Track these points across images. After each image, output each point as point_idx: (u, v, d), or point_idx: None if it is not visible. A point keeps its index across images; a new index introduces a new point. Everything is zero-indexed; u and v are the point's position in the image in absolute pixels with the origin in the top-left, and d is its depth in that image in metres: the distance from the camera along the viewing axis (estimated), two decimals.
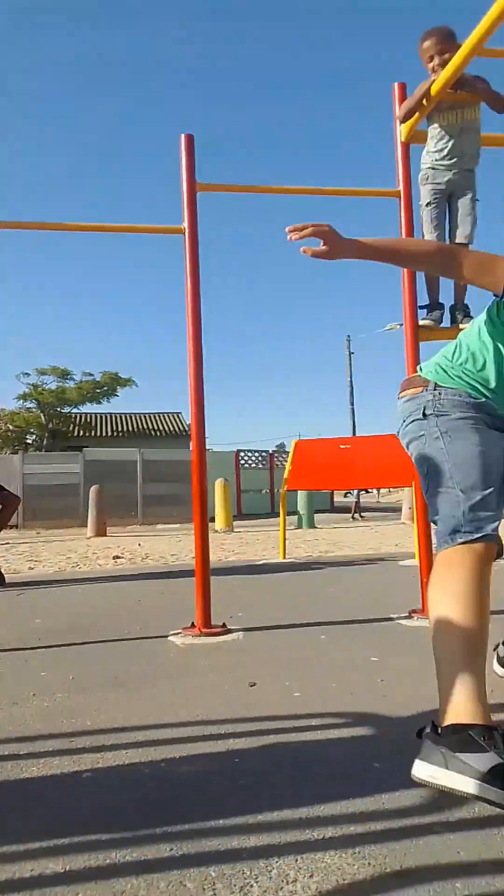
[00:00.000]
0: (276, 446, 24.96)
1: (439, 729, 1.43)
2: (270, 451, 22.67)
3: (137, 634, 3.23)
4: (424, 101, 3.35)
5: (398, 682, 2.32)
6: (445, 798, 1.44)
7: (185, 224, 3.39)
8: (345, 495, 30.89)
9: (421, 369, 1.96)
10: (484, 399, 1.83)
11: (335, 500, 23.86)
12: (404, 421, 1.94)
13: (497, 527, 1.67)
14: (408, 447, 1.95)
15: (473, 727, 1.39)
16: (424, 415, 1.87)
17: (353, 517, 17.04)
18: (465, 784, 1.32)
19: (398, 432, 2.00)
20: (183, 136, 3.44)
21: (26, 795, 1.55)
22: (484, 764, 1.32)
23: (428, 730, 1.44)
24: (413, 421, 1.90)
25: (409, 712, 2.01)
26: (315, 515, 13.63)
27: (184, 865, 1.24)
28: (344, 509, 20.50)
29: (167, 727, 1.97)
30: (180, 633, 3.17)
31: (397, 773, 1.59)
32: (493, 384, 1.81)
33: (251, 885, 1.17)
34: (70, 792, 1.55)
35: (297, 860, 1.25)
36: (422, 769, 1.40)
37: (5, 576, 5.29)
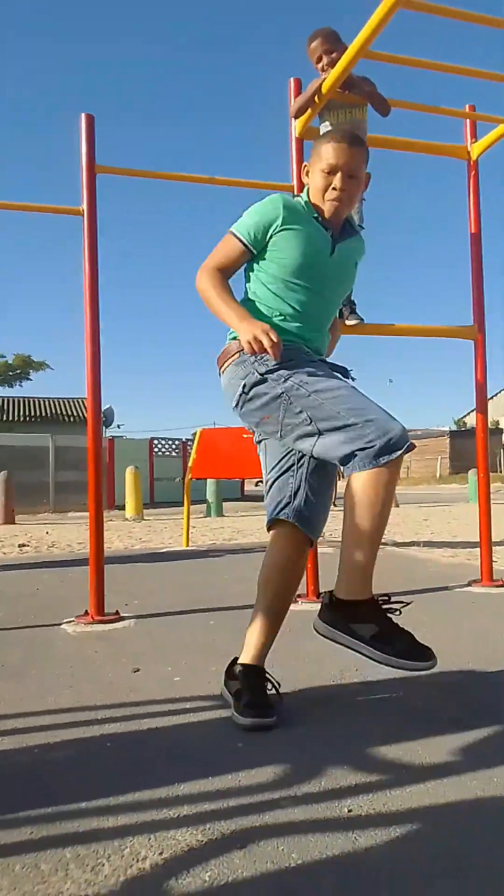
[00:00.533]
0: (192, 434, 24.92)
1: (335, 599, 1.91)
2: (184, 440, 22.64)
3: (30, 622, 3.22)
4: (316, 99, 3.45)
5: (275, 664, 2.43)
6: (294, 773, 1.56)
7: (84, 206, 3.37)
8: (255, 484, 31.22)
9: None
10: (294, 339, 2.05)
11: (245, 488, 24.09)
12: (241, 392, 2.03)
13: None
14: (258, 412, 2.02)
15: (364, 603, 1.87)
16: (262, 375, 1.99)
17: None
18: (353, 644, 1.87)
19: (235, 406, 2.08)
20: (83, 115, 3.41)
21: None
22: (368, 631, 1.84)
23: (327, 600, 1.94)
24: (253, 386, 2.01)
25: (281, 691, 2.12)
26: (224, 504, 13.76)
27: (40, 848, 1.29)
28: (254, 497, 20.74)
29: (46, 714, 2.00)
30: (73, 621, 3.19)
31: (258, 752, 1.70)
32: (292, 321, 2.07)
33: (103, 864, 1.23)
34: None
35: (150, 839, 1.32)
36: (322, 626, 1.94)
37: None
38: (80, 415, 26.99)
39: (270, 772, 1.59)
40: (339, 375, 2.05)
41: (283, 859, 1.24)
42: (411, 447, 1.82)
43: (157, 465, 20.41)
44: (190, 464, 6.64)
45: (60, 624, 3.17)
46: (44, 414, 26.13)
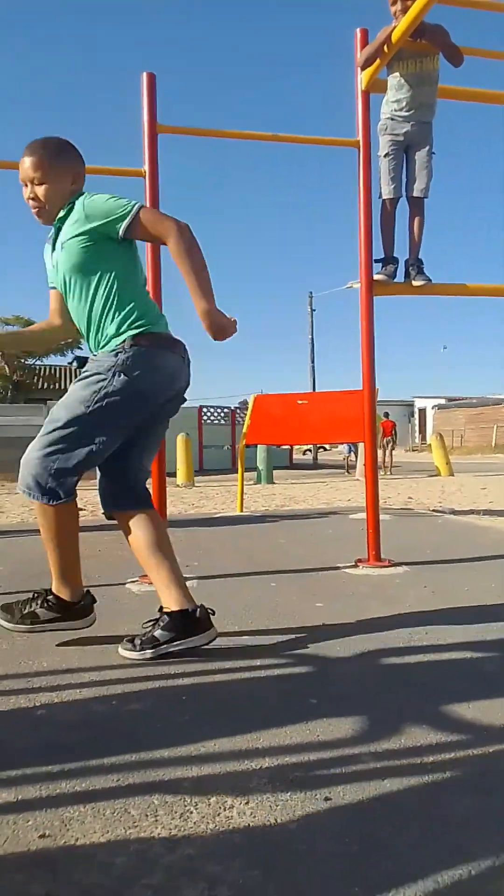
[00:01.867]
0: (239, 403, 24.92)
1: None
2: (233, 408, 22.66)
3: (96, 582, 3.27)
4: (385, 49, 3.32)
5: (340, 625, 2.43)
6: (374, 731, 1.56)
7: (146, 167, 3.33)
8: (303, 452, 31.21)
9: None
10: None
11: (294, 456, 24.07)
12: None
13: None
14: None
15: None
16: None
17: (347, 472, 17.10)
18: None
19: None
20: (144, 74, 3.36)
21: None
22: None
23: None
24: None
25: (348, 653, 2.12)
26: (274, 472, 13.78)
27: (128, 794, 1.32)
28: (303, 466, 20.73)
29: (119, 668, 2.04)
30: (137, 580, 3.24)
31: (333, 708, 1.70)
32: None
33: (191, 812, 1.25)
34: (24, 728, 1.62)
35: (234, 788, 1.34)
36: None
37: None
38: None
39: (347, 727, 1.59)
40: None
41: (367, 811, 1.25)
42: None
43: (206, 433, 20.51)
44: (244, 430, 6.64)
45: (125, 583, 3.22)
46: None
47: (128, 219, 2.09)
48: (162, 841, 1.16)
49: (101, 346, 2.20)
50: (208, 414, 21.37)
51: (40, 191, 2.19)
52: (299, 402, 6.59)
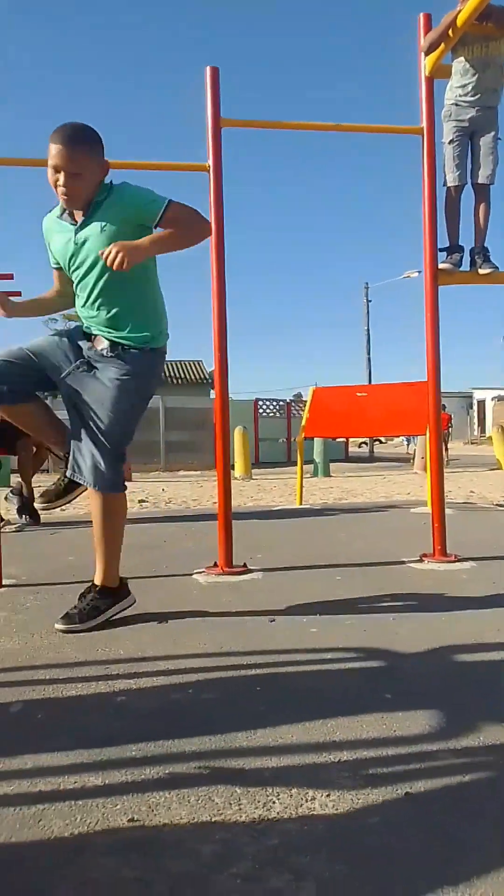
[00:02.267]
0: (293, 396, 24.84)
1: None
2: (288, 401, 22.62)
3: (164, 572, 3.35)
4: (450, 33, 3.24)
5: (409, 620, 2.41)
6: (451, 728, 1.54)
7: (210, 161, 3.34)
8: (358, 445, 30.91)
9: None
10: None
11: (349, 449, 23.87)
12: None
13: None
14: None
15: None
16: None
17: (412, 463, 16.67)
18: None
19: None
20: (208, 68, 3.37)
21: (67, 715, 1.67)
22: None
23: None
24: None
25: (419, 648, 2.11)
26: (330, 464, 13.71)
27: (211, 782, 1.34)
28: (358, 458, 20.55)
29: (192, 657, 2.08)
30: (203, 571, 3.28)
31: (406, 704, 1.69)
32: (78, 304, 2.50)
33: (273, 802, 1.27)
34: (105, 714, 1.67)
35: (314, 781, 1.35)
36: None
37: (40, 515, 5.43)
38: (187, 377, 27.48)
39: (423, 723, 1.58)
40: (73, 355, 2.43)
41: (449, 808, 1.24)
42: None
43: (262, 426, 20.54)
44: (303, 423, 6.62)
45: (191, 574, 3.27)
46: None
47: (162, 208, 2.29)
48: (246, 830, 1.18)
49: (122, 336, 2.39)
50: (264, 407, 21.39)
51: (74, 181, 2.26)
52: (359, 394, 6.54)
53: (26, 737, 1.55)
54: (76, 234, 2.36)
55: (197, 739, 1.52)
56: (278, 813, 1.23)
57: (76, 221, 2.36)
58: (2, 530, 4.13)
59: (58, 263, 2.51)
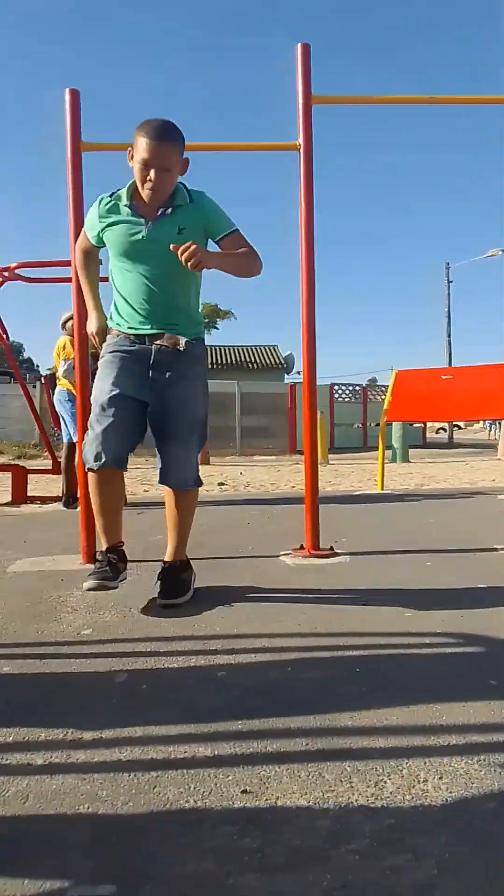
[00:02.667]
0: (369, 380, 24.50)
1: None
2: (364, 385, 22.34)
3: (250, 553, 3.37)
4: None
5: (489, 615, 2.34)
6: None
7: (301, 140, 3.30)
8: (436, 431, 30.26)
9: None
10: (119, 324, 2.49)
11: (427, 435, 23.39)
12: None
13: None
14: None
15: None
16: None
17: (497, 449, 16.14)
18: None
19: None
20: (299, 45, 3.32)
21: (170, 687, 1.70)
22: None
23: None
24: None
25: None
26: (409, 450, 13.49)
27: (320, 759, 1.34)
28: (437, 444, 20.11)
29: (288, 636, 2.08)
30: (290, 553, 3.28)
31: None
32: (122, 304, 2.48)
33: (384, 781, 1.26)
34: (208, 687, 1.69)
35: (425, 763, 1.32)
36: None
37: (127, 496, 5.58)
38: (263, 362, 27.53)
39: None
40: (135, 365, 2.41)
41: None
42: (90, 469, 2.38)
43: (337, 411, 20.37)
44: (385, 406, 6.51)
45: (278, 556, 3.27)
46: (229, 361, 26.94)
47: (231, 229, 2.44)
48: (360, 808, 1.17)
49: (176, 330, 2.44)
50: (339, 392, 21.20)
51: (165, 177, 2.30)
52: (444, 376, 6.37)
53: (134, 706, 1.59)
54: (148, 228, 2.36)
55: (300, 717, 1.52)
56: (391, 793, 1.22)
57: (145, 216, 2.37)
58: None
59: (101, 244, 2.52)
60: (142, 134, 2.27)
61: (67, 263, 3.81)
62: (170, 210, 2.38)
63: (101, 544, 2.52)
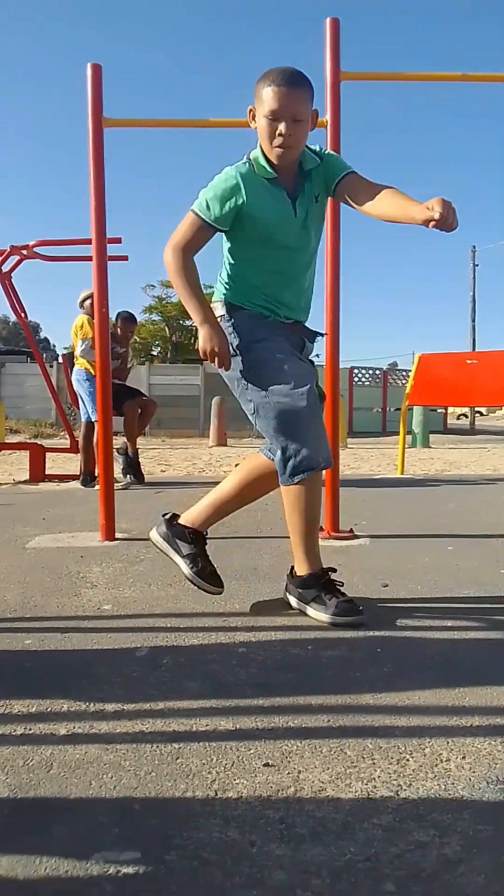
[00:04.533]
0: (389, 364, 24.35)
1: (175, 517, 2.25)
2: (384, 369, 22.20)
3: (269, 533, 3.36)
4: None
5: None
6: None
7: (328, 116, 3.25)
8: (457, 417, 30.03)
9: None
10: (266, 309, 2.09)
11: (448, 421, 23.23)
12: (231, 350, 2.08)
13: None
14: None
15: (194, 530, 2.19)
16: (235, 349, 2.08)
17: None
18: (172, 554, 2.19)
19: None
20: (328, 20, 3.26)
21: (192, 662, 1.70)
22: (186, 549, 2.17)
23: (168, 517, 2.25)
24: (234, 354, 2.08)
25: None
26: (429, 436, 13.40)
27: (342, 736, 1.34)
28: (458, 430, 19.96)
29: (307, 616, 2.07)
30: None
31: None
32: (266, 291, 2.09)
33: (407, 760, 1.25)
34: (229, 663, 1.69)
35: (448, 742, 1.31)
36: (155, 535, 2.25)
37: (144, 475, 5.61)
38: None
39: None
40: (300, 354, 2.11)
41: None
42: (320, 468, 1.98)
43: (357, 395, 20.27)
44: (407, 390, 6.45)
45: None
46: None
47: (348, 170, 2.08)
48: (383, 784, 1.17)
49: (307, 318, 2.20)
50: (359, 375, 21.09)
51: (302, 130, 1.98)
52: (469, 361, 6.30)
53: (155, 680, 1.60)
54: (295, 205, 2.04)
55: (322, 694, 1.52)
56: (413, 771, 1.21)
57: (285, 187, 2.04)
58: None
59: (226, 227, 2.06)
60: (267, 83, 1.95)
61: (87, 241, 3.80)
62: (307, 180, 2.06)
63: (307, 566, 2.09)
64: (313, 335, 2.23)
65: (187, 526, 2.19)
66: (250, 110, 2.03)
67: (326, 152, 2.12)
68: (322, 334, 2.30)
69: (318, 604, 2.04)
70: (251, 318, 2.08)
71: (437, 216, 1.74)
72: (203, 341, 2.04)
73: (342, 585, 2.11)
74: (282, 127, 1.94)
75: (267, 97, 1.95)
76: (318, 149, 2.11)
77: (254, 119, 2.02)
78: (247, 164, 2.05)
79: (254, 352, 2.05)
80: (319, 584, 2.07)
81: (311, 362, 2.20)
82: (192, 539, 2.17)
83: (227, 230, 2.07)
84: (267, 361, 2.03)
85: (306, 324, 2.22)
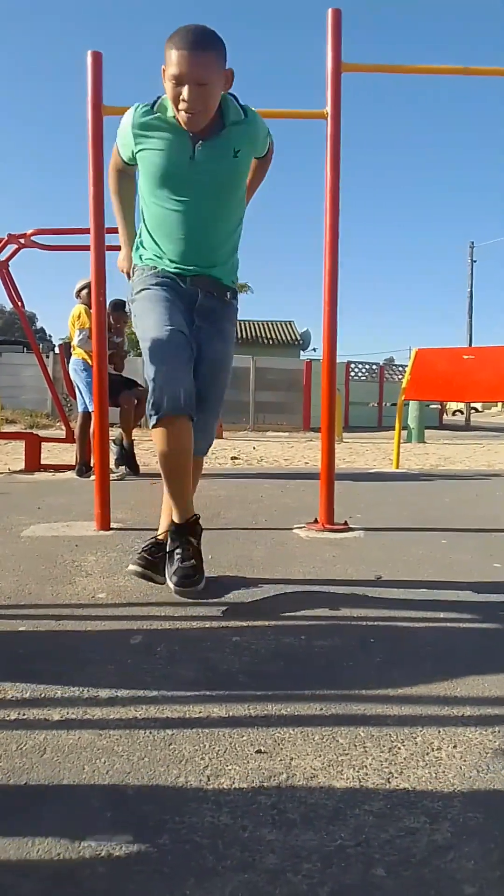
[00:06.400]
0: (386, 360, 24.36)
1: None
2: (381, 364, 22.18)
3: (263, 525, 3.37)
4: None
5: None
6: None
7: (329, 108, 3.23)
8: (452, 413, 30.06)
9: None
10: (155, 258, 2.15)
11: (444, 417, 23.25)
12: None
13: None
14: None
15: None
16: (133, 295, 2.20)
17: None
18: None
19: None
20: (330, 11, 3.24)
21: (185, 650, 1.71)
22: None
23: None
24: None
25: None
26: (424, 431, 13.41)
27: (334, 724, 1.34)
28: (454, 427, 19.99)
29: (302, 606, 2.08)
30: (304, 527, 3.28)
31: None
32: (158, 239, 2.14)
33: (398, 748, 1.26)
34: (223, 651, 1.70)
35: (439, 731, 1.32)
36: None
37: (139, 466, 5.61)
38: (279, 338, 27.42)
39: None
40: (184, 305, 2.10)
41: None
42: (162, 413, 1.94)
43: (353, 389, 20.25)
44: (404, 384, 6.46)
45: (292, 528, 3.27)
46: (244, 336, 26.81)
47: (270, 140, 2.22)
48: (375, 771, 1.17)
49: (218, 273, 2.16)
50: (356, 370, 21.07)
51: (206, 94, 1.92)
52: (465, 356, 6.30)
53: (150, 667, 1.60)
54: (196, 148, 2.01)
55: (315, 682, 1.53)
56: (405, 759, 1.22)
57: (194, 133, 2.01)
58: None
59: (133, 161, 2.12)
60: (172, 45, 1.89)
61: (85, 231, 3.79)
62: (223, 129, 2.03)
63: (170, 517, 2.16)
64: (223, 289, 2.17)
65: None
66: (163, 70, 1.97)
67: (256, 116, 2.12)
68: (230, 288, 2.21)
69: (168, 561, 2.14)
70: (140, 271, 2.16)
71: None
72: (120, 260, 2.35)
73: (190, 544, 2.14)
74: (185, 92, 1.90)
75: (171, 60, 1.90)
76: (243, 105, 2.09)
77: (165, 79, 1.98)
78: (150, 104, 2.06)
79: (135, 303, 2.14)
80: (178, 539, 2.12)
81: (214, 315, 2.16)
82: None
83: (139, 169, 2.14)
84: (143, 311, 2.08)
85: (225, 275, 2.18)
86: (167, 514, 2.24)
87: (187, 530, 2.15)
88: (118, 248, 2.50)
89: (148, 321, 2.03)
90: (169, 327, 1.98)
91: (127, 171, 2.25)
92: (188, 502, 2.15)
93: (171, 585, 2.07)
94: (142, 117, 2.03)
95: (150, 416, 1.98)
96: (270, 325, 28.31)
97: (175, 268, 2.10)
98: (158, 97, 2.06)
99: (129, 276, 2.20)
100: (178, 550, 2.11)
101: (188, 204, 2.05)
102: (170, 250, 2.10)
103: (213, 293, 2.16)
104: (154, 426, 1.99)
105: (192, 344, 2.08)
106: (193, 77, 1.89)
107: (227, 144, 2.04)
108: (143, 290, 2.10)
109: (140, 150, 2.05)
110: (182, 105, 1.93)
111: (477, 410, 33.70)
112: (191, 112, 1.94)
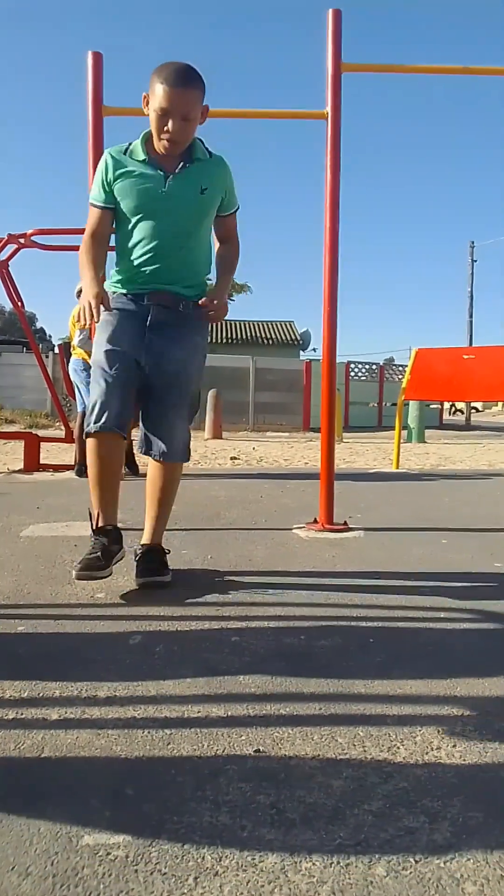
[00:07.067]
0: (386, 360, 24.35)
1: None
2: (381, 364, 22.17)
3: (263, 525, 3.37)
4: None
5: None
6: None
7: (329, 108, 3.23)
8: (451, 413, 30.05)
9: None
10: (120, 285, 2.30)
11: (444, 417, 23.24)
12: None
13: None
14: None
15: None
16: None
17: None
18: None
19: None
20: (330, 11, 3.24)
21: (184, 650, 1.70)
22: None
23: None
24: None
25: None
26: (424, 431, 13.41)
27: (333, 723, 1.34)
28: (454, 426, 19.98)
29: (301, 606, 2.08)
30: (304, 527, 3.27)
31: None
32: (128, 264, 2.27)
33: (398, 747, 1.26)
34: (222, 651, 1.70)
35: (439, 731, 1.32)
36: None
37: (139, 466, 5.61)
38: (279, 338, 27.37)
39: None
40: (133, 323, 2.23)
41: None
42: (94, 431, 2.13)
43: (353, 389, 20.24)
44: (404, 384, 6.45)
45: (291, 529, 3.27)
46: (244, 336, 26.79)
47: (235, 208, 2.38)
48: (374, 771, 1.17)
49: (176, 289, 2.26)
50: (356, 370, 21.05)
51: (189, 127, 2.14)
52: (466, 356, 6.30)
53: (148, 667, 1.60)
54: (169, 182, 2.19)
55: (314, 682, 1.53)
56: (404, 758, 1.22)
57: (164, 168, 2.20)
58: None
59: (112, 204, 2.25)
60: (160, 79, 2.07)
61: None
62: (190, 164, 2.22)
63: (94, 522, 2.24)
64: (177, 301, 2.26)
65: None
66: (145, 97, 2.16)
67: (223, 162, 2.28)
68: (187, 298, 2.27)
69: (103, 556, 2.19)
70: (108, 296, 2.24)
71: (208, 302, 2.19)
72: (86, 298, 2.15)
73: (108, 542, 2.19)
74: (170, 124, 2.10)
75: (159, 93, 2.08)
76: (210, 151, 2.27)
77: (147, 106, 2.16)
78: (123, 148, 2.25)
79: (99, 329, 2.27)
80: (95, 536, 2.21)
81: (168, 326, 2.25)
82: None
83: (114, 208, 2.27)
84: (96, 335, 2.27)
85: (189, 289, 2.28)
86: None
87: (102, 533, 2.22)
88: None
89: (96, 346, 2.25)
90: (110, 350, 2.18)
91: (101, 233, 2.31)
92: (110, 514, 2.26)
93: (74, 573, 2.15)
94: (119, 156, 2.25)
95: (85, 429, 2.20)
96: (270, 326, 28.27)
97: (136, 288, 2.27)
98: (130, 143, 2.26)
99: (91, 310, 2.13)
100: (91, 545, 2.20)
101: (155, 230, 2.23)
102: (132, 273, 2.27)
103: (168, 306, 2.27)
104: (86, 438, 2.21)
105: (141, 360, 2.22)
106: (180, 112, 2.09)
107: (196, 180, 2.22)
108: (102, 318, 2.21)
109: (118, 184, 2.23)
110: (165, 135, 2.14)
111: (477, 410, 33.69)
112: (173, 142, 2.15)
